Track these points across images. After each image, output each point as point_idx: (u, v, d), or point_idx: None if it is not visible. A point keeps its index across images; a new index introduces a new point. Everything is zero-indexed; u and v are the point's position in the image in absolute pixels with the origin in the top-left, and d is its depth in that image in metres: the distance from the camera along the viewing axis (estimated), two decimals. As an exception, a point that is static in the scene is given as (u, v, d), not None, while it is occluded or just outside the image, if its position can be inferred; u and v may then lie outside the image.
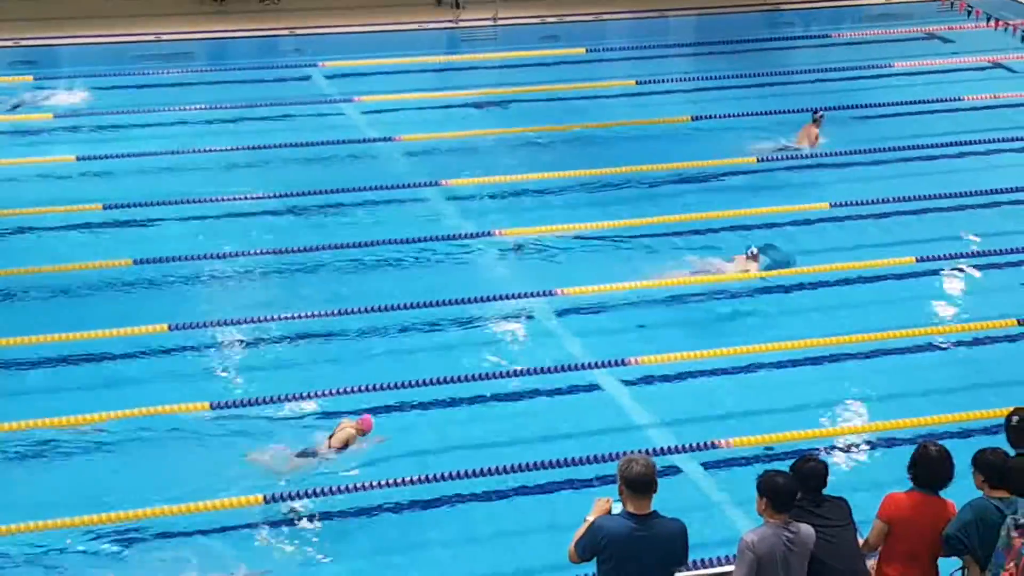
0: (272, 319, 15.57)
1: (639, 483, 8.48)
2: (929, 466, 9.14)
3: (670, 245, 17.71)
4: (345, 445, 13.05)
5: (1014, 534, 8.66)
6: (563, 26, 27.33)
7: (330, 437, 13.15)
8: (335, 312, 15.59)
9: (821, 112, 20.61)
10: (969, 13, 27.24)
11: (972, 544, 8.93)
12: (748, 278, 16.60)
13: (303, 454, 13.00)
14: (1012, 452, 9.37)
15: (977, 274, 17.01)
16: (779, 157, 20.17)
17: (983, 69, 24.61)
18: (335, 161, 20.45)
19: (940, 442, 9.53)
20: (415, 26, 27.11)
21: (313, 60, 24.87)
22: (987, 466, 9.02)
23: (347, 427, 13.18)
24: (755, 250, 16.92)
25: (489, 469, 12.72)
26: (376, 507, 12.52)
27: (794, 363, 14.85)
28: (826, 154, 20.28)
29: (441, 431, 13.79)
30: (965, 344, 15.30)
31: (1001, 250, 17.25)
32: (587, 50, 25.41)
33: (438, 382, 14.19)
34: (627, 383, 14.51)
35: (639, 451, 11.90)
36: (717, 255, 17.27)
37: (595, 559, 8.65)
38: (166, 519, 12.17)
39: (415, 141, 21.12)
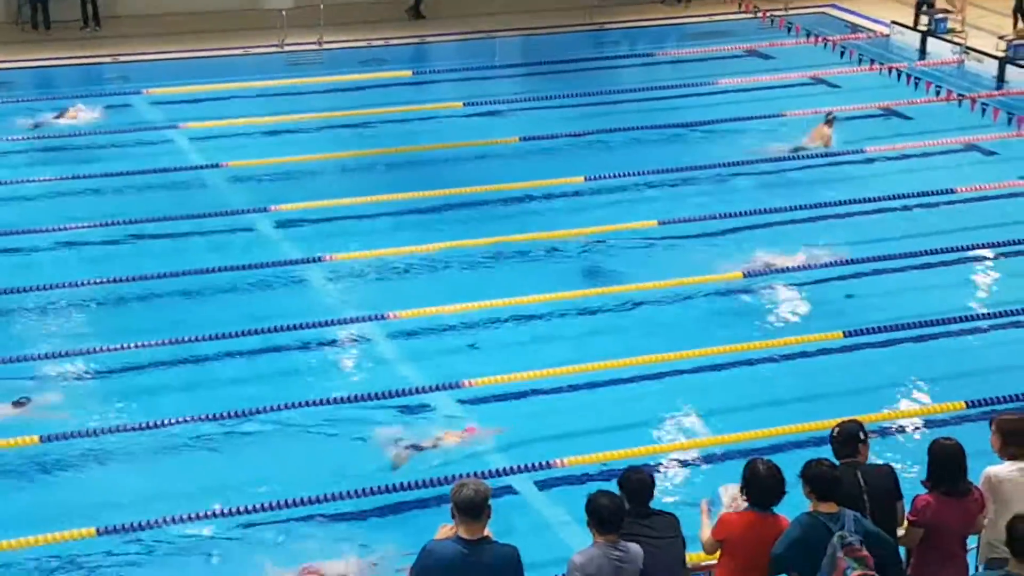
0: (102, 350, 15.21)
1: (468, 507, 8.41)
2: (759, 485, 9.11)
3: (502, 266, 17.74)
4: None
5: (839, 553, 8.69)
6: (389, 49, 27.31)
7: None
8: (166, 341, 15.28)
9: (832, 114, 21.32)
10: (789, 30, 27.82)
11: (798, 563, 8.95)
12: (573, 297, 16.63)
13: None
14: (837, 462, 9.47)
15: (803, 288, 17.28)
16: (608, 176, 20.29)
17: (804, 85, 25.12)
18: (162, 188, 20.15)
19: (772, 456, 9.60)
20: (240, 51, 26.86)
21: (137, 87, 24.51)
22: (814, 478, 9.00)
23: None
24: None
25: (328, 495, 12.57)
26: (219, 535, 12.32)
27: (628, 380, 14.90)
28: (652, 172, 20.48)
29: (277, 458, 13.60)
30: (793, 357, 15.52)
31: (826, 263, 17.55)
32: (413, 72, 25.46)
33: (272, 409, 14.00)
34: (462, 404, 14.45)
35: (475, 473, 11.93)
36: (547, 274, 17.35)
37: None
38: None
39: (242, 167, 20.92)
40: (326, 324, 15.92)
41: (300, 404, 14.13)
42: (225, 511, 12.39)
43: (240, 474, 13.28)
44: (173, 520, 12.24)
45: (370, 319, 16.02)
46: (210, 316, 16.19)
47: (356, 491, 12.65)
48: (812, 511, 8.98)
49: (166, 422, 13.78)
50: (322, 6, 27.12)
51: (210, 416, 13.90)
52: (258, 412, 14.01)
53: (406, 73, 25.32)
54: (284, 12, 27.16)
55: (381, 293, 16.97)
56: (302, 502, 12.54)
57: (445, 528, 8.74)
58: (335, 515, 12.62)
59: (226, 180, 20.56)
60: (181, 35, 27.65)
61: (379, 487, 12.73)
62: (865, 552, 8.70)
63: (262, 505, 12.47)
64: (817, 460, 9.13)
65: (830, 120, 21.42)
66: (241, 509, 12.42)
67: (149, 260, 17.64)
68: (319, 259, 17.63)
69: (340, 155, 21.52)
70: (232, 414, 13.94)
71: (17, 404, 14.32)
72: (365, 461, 13.48)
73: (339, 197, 19.49)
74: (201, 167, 20.95)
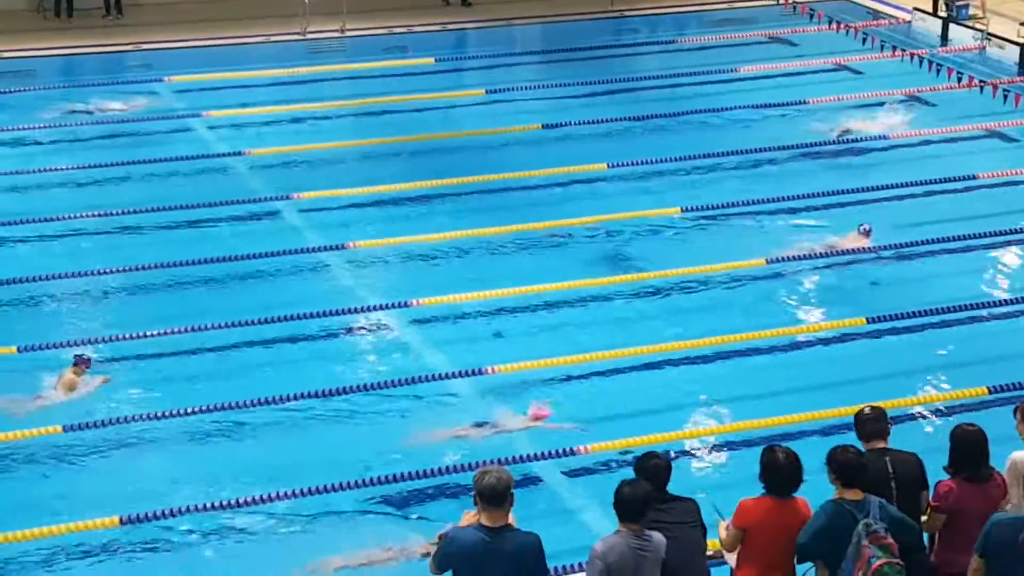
0: (128, 338, 15.27)
1: (491, 495, 8.45)
2: (777, 472, 9.08)
3: (524, 253, 17.78)
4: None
5: (864, 542, 8.65)
6: (411, 36, 27.35)
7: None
8: (191, 328, 15.34)
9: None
10: (811, 16, 27.76)
11: (824, 551, 8.91)
12: (596, 284, 16.66)
13: None
14: (863, 448, 9.47)
15: (826, 274, 17.27)
16: (631, 163, 20.28)
17: (827, 71, 25.07)
18: (186, 177, 20.23)
19: (794, 443, 9.58)
20: (262, 39, 26.91)
21: (160, 75, 24.59)
22: (840, 465, 8.99)
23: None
24: (867, 227, 17.55)
25: (356, 482, 12.63)
26: (253, 517, 12.40)
27: (650, 366, 14.93)
28: (675, 159, 20.48)
29: (307, 443, 13.67)
30: (816, 343, 15.54)
31: (849, 249, 17.54)
32: (436, 60, 25.46)
33: (299, 397, 14.07)
34: (486, 392, 14.50)
35: (500, 459, 11.97)
36: (570, 261, 17.39)
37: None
38: (22, 544, 11.92)
39: (265, 155, 20.98)
40: (349, 311, 15.98)
41: (325, 393, 14.19)
42: (266, 497, 12.44)
43: (276, 460, 13.34)
44: (187, 510, 12.33)
45: (394, 306, 16.06)
46: (234, 303, 16.25)
47: (377, 479, 12.73)
48: (837, 498, 8.99)
49: (190, 410, 13.83)
50: (344, -7, 27.18)
51: (234, 404, 13.94)
52: (280, 401, 14.06)
53: (429, 60, 25.34)
54: (306, 0, 27.20)
55: (405, 280, 17.02)
56: (344, 487, 12.59)
57: (469, 514, 8.78)
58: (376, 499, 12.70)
59: (249, 168, 20.63)
60: (203, 23, 27.73)
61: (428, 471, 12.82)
62: (890, 540, 8.71)
63: (308, 490, 12.50)
64: (843, 447, 9.11)
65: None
66: (282, 495, 12.48)
67: (172, 247, 17.71)
68: (342, 246, 17.68)
69: (363, 143, 21.56)
70: (255, 402, 13.99)
71: (78, 364, 14.53)
72: (393, 445, 13.57)
73: (362, 185, 19.54)
74: (224, 155, 21.02)
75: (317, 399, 14.16)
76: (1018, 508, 9.37)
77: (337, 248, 17.69)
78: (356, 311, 16.02)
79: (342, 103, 23.30)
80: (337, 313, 15.90)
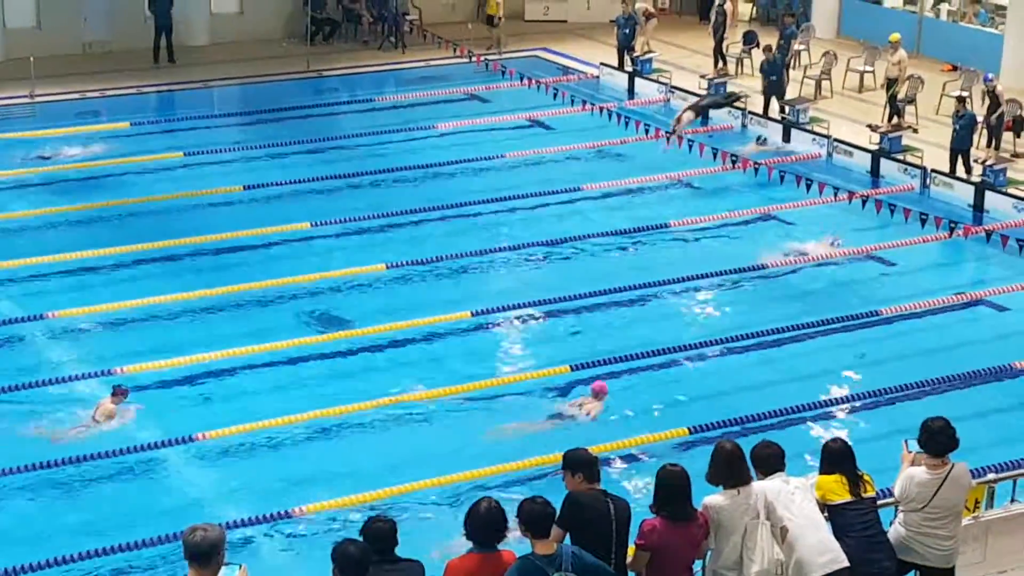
0: None
1: (194, 552, 8.35)
2: (477, 524, 8.84)
3: (232, 315, 17.65)
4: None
5: None
6: (105, 100, 26.82)
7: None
8: None
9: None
10: (503, 73, 28.33)
11: None
12: (305, 344, 16.69)
13: None
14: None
15: (530, 325, 17.66)
16: (334, 221, 20.40)
17: (521, 127, 25.65)
18: None
19: (499, 495, 9.61)
20: (-62, 107, 26.04)
21: None
22: (527, 516, 8.80)
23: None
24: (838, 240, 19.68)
25: (61, 558, 12.36)
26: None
27: (365, 425, 15.02)
28: (378, 215, 20.66)
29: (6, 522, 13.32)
30: (522, 393, 15.86)
31: (551, 299, 17.97)
32: (131, 124, 25.04)
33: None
34: (196, 458, 14.34)
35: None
36: (278, 321, 17.36)
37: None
38: None
39: (-50, 228, 20.31)
40: (51, 383, 15.59)
41: (29, 468, 13.85)
42: None
43: None
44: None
45: (98, 375, 15.73)
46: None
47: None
48: (529, 554, 8.82)
49: None
50: (32, 59, 26.48)
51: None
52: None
53: (123, 125, 24.93)
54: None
55: (108, 348, 16.67)
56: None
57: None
58: None
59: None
60: None
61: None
62: None
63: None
64: (531, 498, 8.96)
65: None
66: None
67: None
68: (40, 317, 17.23)
69: (56, 210, 21.00)
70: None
71: (116, 395, 15.02)
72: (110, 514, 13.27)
73: (58, 252, 19.04)
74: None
75: (33, 471, 13.82)
76: (718, 552, 9.65)
77: (35, 319, 17.22)
78: (57, 382, 15.63)
79: (33, 170, 22.72)
80: (37, 385, 15.50)
